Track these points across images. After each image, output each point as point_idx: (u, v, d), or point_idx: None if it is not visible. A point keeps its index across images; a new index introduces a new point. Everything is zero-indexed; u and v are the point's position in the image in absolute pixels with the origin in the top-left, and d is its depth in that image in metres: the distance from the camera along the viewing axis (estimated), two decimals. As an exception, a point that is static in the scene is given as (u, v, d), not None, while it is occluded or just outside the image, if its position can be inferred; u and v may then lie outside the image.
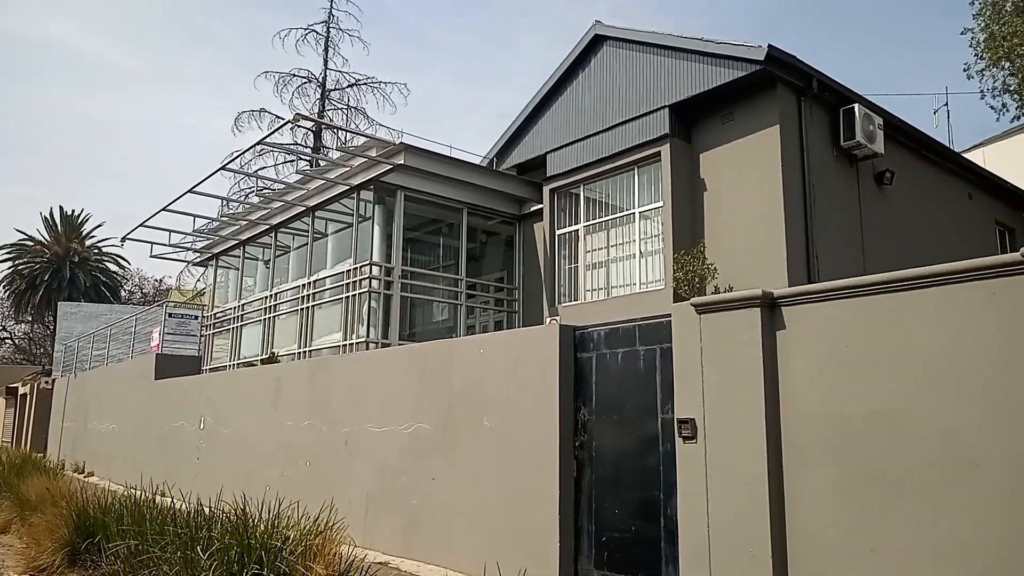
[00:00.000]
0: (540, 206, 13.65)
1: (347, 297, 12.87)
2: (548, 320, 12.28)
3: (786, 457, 4.94)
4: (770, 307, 5.14)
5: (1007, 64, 15.44)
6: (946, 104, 21.21)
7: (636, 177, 11.96)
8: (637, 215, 11.92)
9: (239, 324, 16.77)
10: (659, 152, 11.34)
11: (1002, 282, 4.09)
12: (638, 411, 6.03)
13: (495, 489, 6.99)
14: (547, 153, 13.49)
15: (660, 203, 11.36)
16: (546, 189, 13.43)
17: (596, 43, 13.11)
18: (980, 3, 15.53)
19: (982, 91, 16.00)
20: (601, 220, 12.68)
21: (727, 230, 10.69)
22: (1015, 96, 15.58)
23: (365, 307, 12.49)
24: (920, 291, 4.40)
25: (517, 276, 14.35)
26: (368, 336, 12.29)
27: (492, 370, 7.35)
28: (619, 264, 12.33)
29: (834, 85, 10.95)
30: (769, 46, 9.98)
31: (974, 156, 17.00)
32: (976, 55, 16.05)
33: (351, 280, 12.85)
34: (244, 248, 17.42)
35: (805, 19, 52.57)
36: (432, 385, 8.05)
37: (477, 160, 15.08)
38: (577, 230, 12.97)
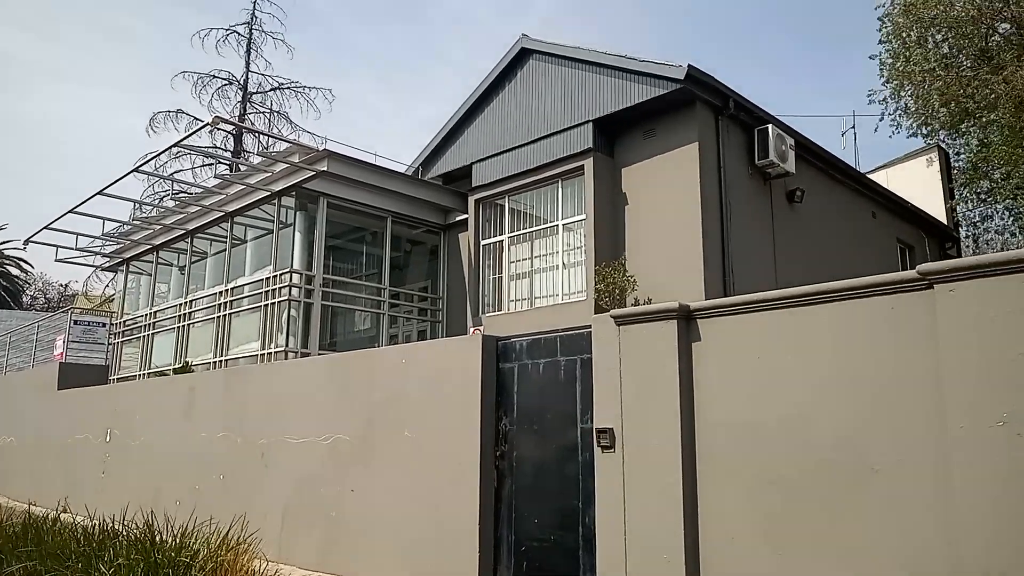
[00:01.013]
0: (465, 216, 13.67)
1: (266, 305, 12.57)
2: (472, 330, 12.30)
3: (700, 465, 5.08)
4: (686, 319, 5.29)
5: (908, 87, 16.32)
6: (853, 127, 22.31)
7: (560, 189, 12.13)
8: (561, 227, 12.08)
9: (151, 332, 16.16)
10: (583, 166, 11.53)
11: (900, 298, 4.32)
12: (559, 421, 6.10)
13: (416, 500, 6.94)
14: (473, 163, 13.54)
15: (583, 216, 11.55)
16: (471, 199, 13.47)
17: (523, 56, 13.26)
18: (886, 31, 16.35)
19: (884, 114, 16.88)
20: (525, 231, 12.79)
21: (647, 243, 10.94)
22: (912, 119, 16.51)
23: (285, 316, 12.23)
24: (825, 305, 4.61)
25: (441, 286, 14.31)
26: (287, 345, 12.03)
27: (414, 380, 7.30)
28: (543, 275, 12.46)
29: (749, 106, 11.38)
30: (689, 66, 10.29)
31: (878, 177, 17.92)
32: (881, 80, 16.89)
33: (270, 288, 12.56)
34: (157, 253, 16.80)
35: (726, 40, 54.53)
36: (352, 395, 7.94)
37: (402, 169, 15.02)
38: (502, 240, 13.04)
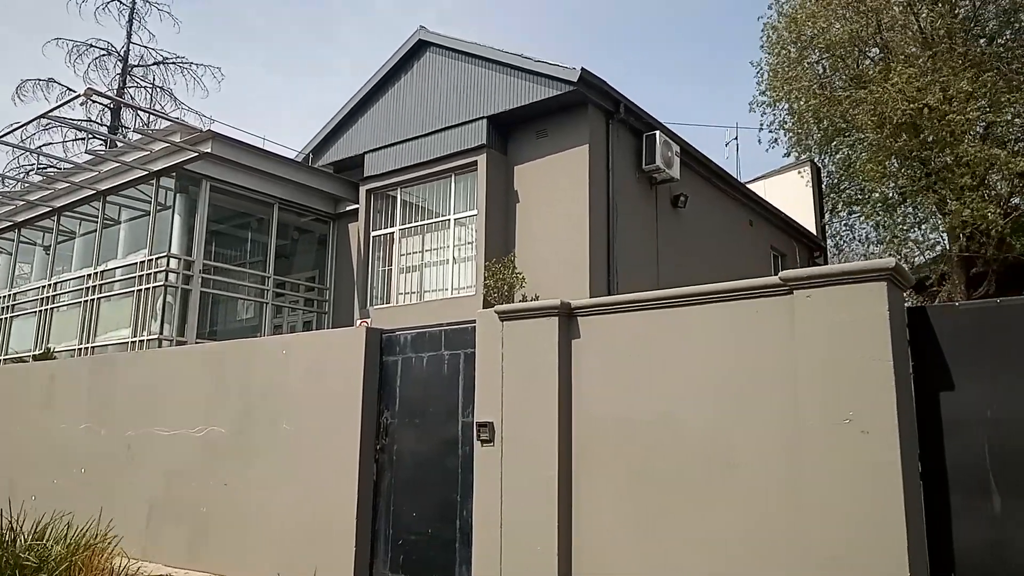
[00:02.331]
0: (356, 206, 13.46)
1: (140, 291, 11.95)
2: (359, 322, 12.12)
3: (576, 459, 5.22)
4: (567, 316, 5.41)
5: (785, 104, 17.24)
6: (736, 137, 23.47)
7: (453, 184, 12.13)
8: (452, 221, 12.08)
9: (8, 315, 15.03)
10: (476, 161, 11.58)
11: (764, 302, 4.57)
12: (440, 415, 6.11)
13: (293, 494, 6.79)
14: (365, 153, 13.33)
15: (475, 211, 11.60)
16: (363, 189, 13.27)
17: (420, 48, 13.16)
18: (768, 40, 17.18)
19: (762, 125, 17.80)
20: (417, 224, 12.72)
21: (537, 241, 11.11)
22: (789, 134, 17.48)
23: (160, 302, 11.66)
24: (696, 307, 4.83)
25: (329, 276, 14.03)
26: (162, 333, 11.48)
27: (295, 372, 7.13)
28: (433, 269, 12.43)
29: (639, 112, 11.75)
30: (582, 69, 10.52)
31: (756, 187, 18.87)
32: (759, 90, 17.78)
33: (145, 272, 11.95)
34: (19, 231, 15.64)
35: (620, 45, 55.96)
36: (229, 386, 7.67)
37: (292, 155, 14.59)
38: (392, 233, 12.92)
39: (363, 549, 6.22)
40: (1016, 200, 14.77)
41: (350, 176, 13.83)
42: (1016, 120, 14.70)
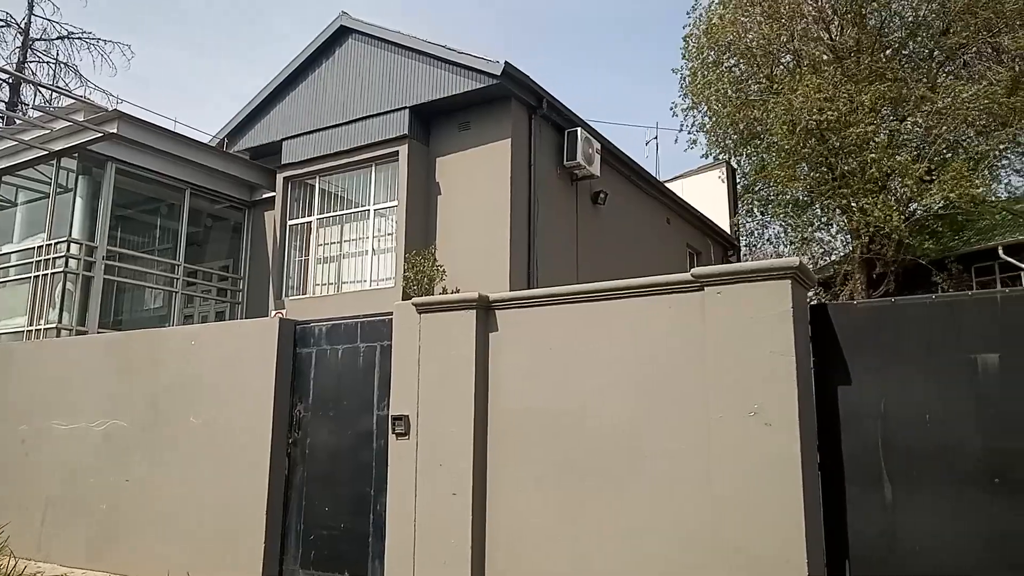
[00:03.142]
0: (272, 194, 13.10)
1: (37, 277, 11.32)
2: (273, 313, 11.82)
3: (492, 452, 5.23)
4: (485, 310, 5.41)
5: (704, 107, 17.69)
6: (656, 137, 24.00)
7: (374, 174, 11.95)
8: (372, 212, 11.92)
9: None
10: (397, 152, 11.45)
11: (676, 297, 4.69)
12: (355, 408, 6.02)
13: (201, 490, 6.56)
14: (283, 140, 12.99)
15: (395, 202, 11.47)
16: (280, 177, 12.93)
17: (342, 34, 12.90)
18: (688, 49, 17.59)
19: (682, 127, 18.23)
20: (336, 214, 12.49)
21: (458, 233, 11.07)
22: (707, 137, 17.98)
23: (59, 289, 11.07)
24: (612, 302, 4.91)
25: (243, 265, 13.62)
26: (61, 322, 10.91)
27: (205, 364, 6.89)
28: (351, 260, 12.23)
29: (561, 108, 11.84)
30: (505, 63, 10.52)
31: (674, 186, 19.35)
32: (680, 95, 18.20)
33: (43, 258, 11.33)
34: (-98, 211, 14.57)
35: (545, 42, 56.27)
36: (134, 378, 7.35)
37: (206, 139, 14.09)
38: (310, 222, 12.64)
39: (273, 545, 6.09)
40: (914, 205, 15.59)
41: (267, 163, 13.44)
42: (916, 129, 15.49)
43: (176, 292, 12.60)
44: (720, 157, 19.36)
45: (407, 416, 5.50)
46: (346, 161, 12.13)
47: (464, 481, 5.14)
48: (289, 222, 12.83)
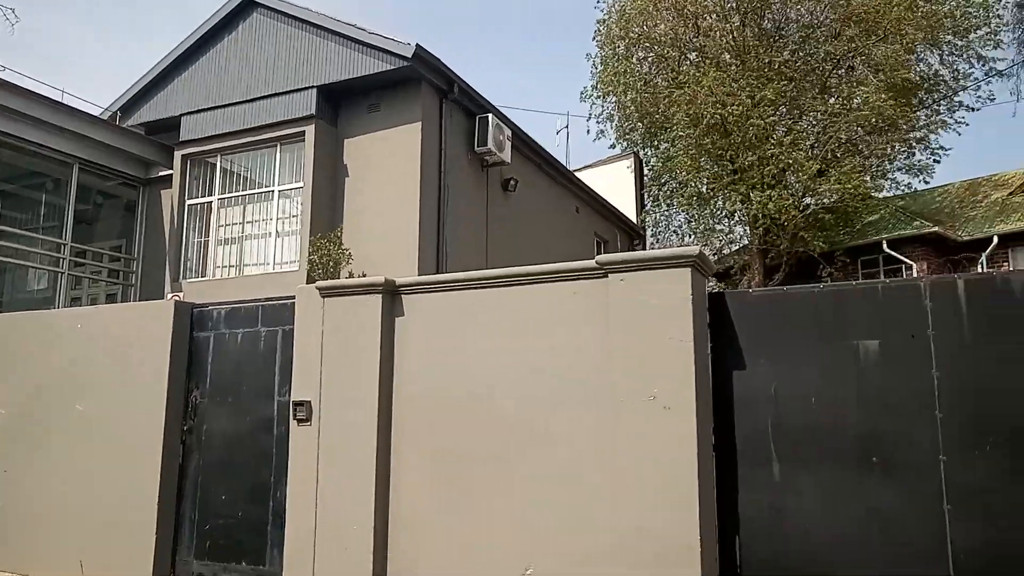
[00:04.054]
0: (170, 172, 12.51)
1: (-97, 254, 10.46)
2: (170, 296, 11.32)
3: (396, 437, 5.19)
4: (391, 295, 5.35)
5: (613, 97, 17.97)
6: (567, 126, 24.22)
7: (279, 154, 11.59)
8: (277, 193, 11.56)
9: None
10: (304, 132, 11.13)
11: (581, 284, 4.75)
12: (255, 394, 5.86)
13: (91, 480, 6.23)
14: (182, 115, 12.41)
15: (301, 183, 11.16)
16: (178, 154, 12.35)
17: (247, 7, 12.39)
18: (600, 35, 17.79)
19: (591, 114, 18.45)
20: (238, 194, 12.05)
21: (365, 217, 10.89)
22: (615, 127, 18.28)
23: (-71, 268, 10.27)
24: (518, 287, 4.93)
25: (137, 246, 12.97)
26: (-69, 303, 10.13)
27: (93, 348, 6.53)
28: (254, 242, 11.84)
29: (473, 93, 11.79)
30: (417, 45, 10.38)
31: (584, 175, 19.58)
32: (592, 82, 18.41)
33: (-89, 233, 10.47)
34: None
35: (458, 27, 55.84)
36: (14, 364, 6.90)
37: (98, 112, 13.29)
38: (211, 202, 12.15)
39: (165, 536, 5.86)
40: (808, 199, 16.34)
41: (164, 139, 12.80)
42: (811, 127, 16.22)
43: (62, 273, 11.88)
44: (627, 148, 19.75)
45: (309, 402, 5.39)
46: (250, 140, 11.71)
47: (367, 466, 5.08)
48: (188, 202, 12.29)
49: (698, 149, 15.74)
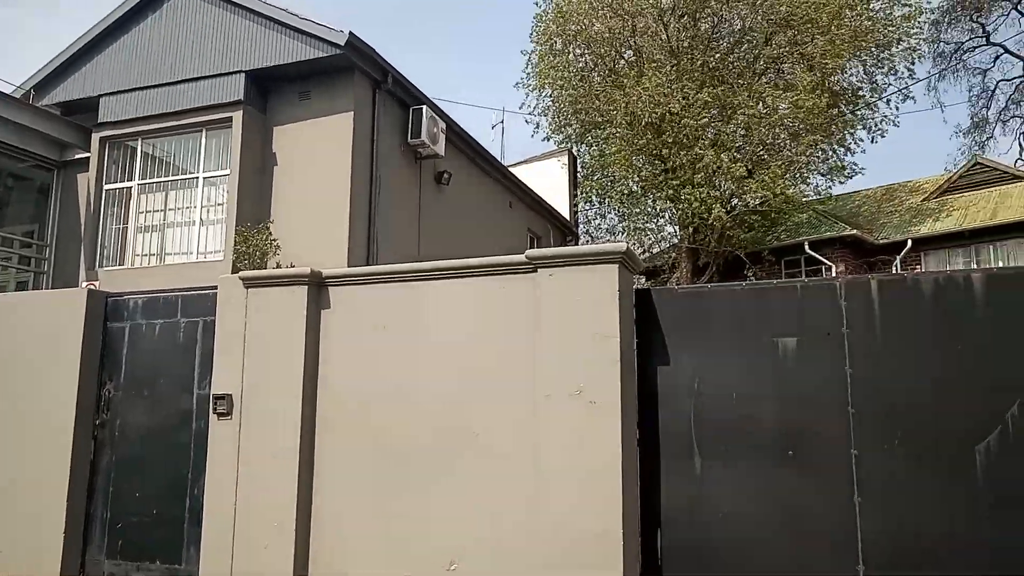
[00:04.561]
0: (87, 154, 11.96)
1: None
2: (84, 284, 10.85)
3: (320, 432, 5.09)
4: (318, 286, 5.24)
5: (549, 92, 18.04)
6: (502, 121, 24.24)
7: (204, 139, 11.23)
8: (201, 180, 11.20)
9: None
10: (231, 117, 10.80)
11: (510, 279, 4.74)
12: (173, 387, 5.66)
13: (-10, 477, 5.92)
14: (101, 96, 11.88)
15: (227, 171, 10.83)
16: (96, 136, 11.82)
17: (172, -14, 11.95)
18: (537, 31, 17.82)
19: (524, 108, 18.51)
20: (161, 180, 11.62)
21: (295, 207, 10.65)
22: (550, 123, 18.38)
23: None
24: (446, 281, 4.90)
25: (50, 231, 12.37)
26: None
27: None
28: (177, 230, 11.45)
29: (407, 84, 11.65)
30: (350, 33, 10.19)
31: (518, 171, 19.61)
32: (527, 79, 18.45)
33: None
34: None
35: (395, 18, 55.15)
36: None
37: (10, 90, 12.61)
38: (131, 187, 11.68)
39: (74, 534, 5.62)
40: (736, 201, 16.76)
41: (82, 120, 12.23)
42: (740, 131, 16.63)
43: (-32, 258, 11.26)
44: (562, 144, 19.87)
45: (230, 395, 5.23)
46: (173, 124, 11.30)
47: (290, 462, 4.97)
48: (106, 186, 11.78)
49: (632, 147, 15.95)
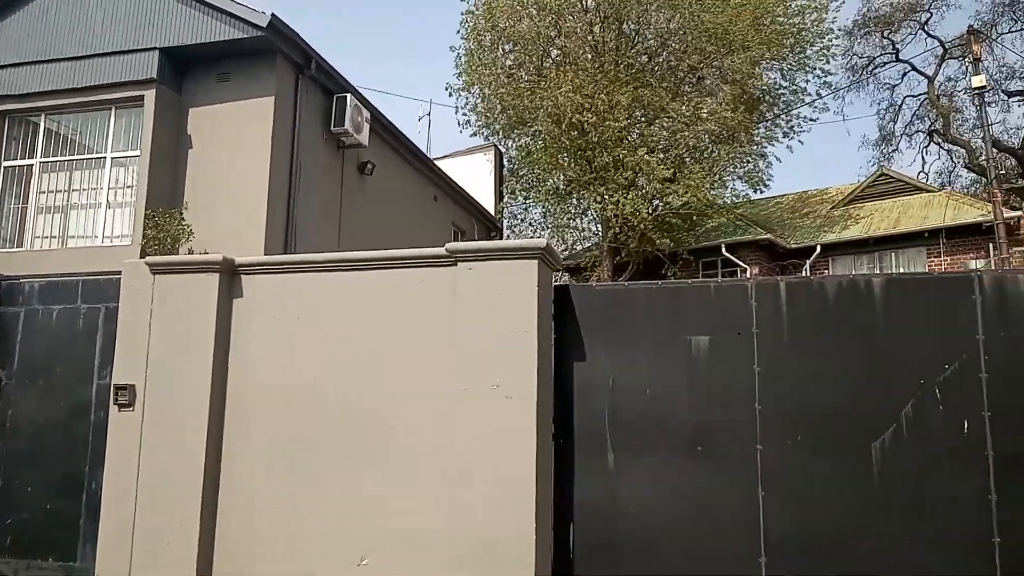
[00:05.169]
0: (-15, 129, 11.26)
1: None
2: (-22, 266, 10.20)
3: (229, 425, 4.92)
4: (230, 274, 5.06)
5: (477, 89, 18.00)
6: (429, 113, 24.07)
7: (113, 118, 10.73)
8: (110, 160, 10.70)
9: None
10: (143, 96, 10.35)
11: (431, 271, 4.69)
12: (72, 376, 5.38)
13: None
14: (1, 68, 11.19)
15: (138, 152, 10.37)
16: (-5, 110, 11.14)
17: (82, -47, 11.34)
18: (466, 27, 17.75)
19: (456, 107, 18.43)
20: (65, 159, 11.04)
21: (210, 193, 10.28)
22: (479, 118, 18.34)
23: None
24: (364, 272, 4.81)
25: (-59, 210, 11.60)
26: None
27: None
28: (82, 212, 10.91)
29: (332, 71, 11.41)
30: (272, 15, 9.91)
31: (444, 164, 19.47)
32: (455, 74, 18.38)
33: None
34: None
35: (324, 6, 53.95)
36: None
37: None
38: (32, 165, 11.06)
39: (-42, 532, 5.27)
40: (657, 202, 17.10)
41: (-20, 92, 11.50)
42: (663, 132, 16.97)
43: None
44: (491, 137, 19.87)
45: (133, 386, 5.00)
46: (81, 100, 10.75)
47: (196, 456, 4.79)
48: (4, 163, 11.12)
49: (557, 146, 16.08)
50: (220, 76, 10.55)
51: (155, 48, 10.42)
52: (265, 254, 9.44)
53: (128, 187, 10.56)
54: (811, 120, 18.12)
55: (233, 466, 4.85)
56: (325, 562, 4.56)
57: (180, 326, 5.02)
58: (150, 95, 10.29)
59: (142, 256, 8.87)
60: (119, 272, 5.32)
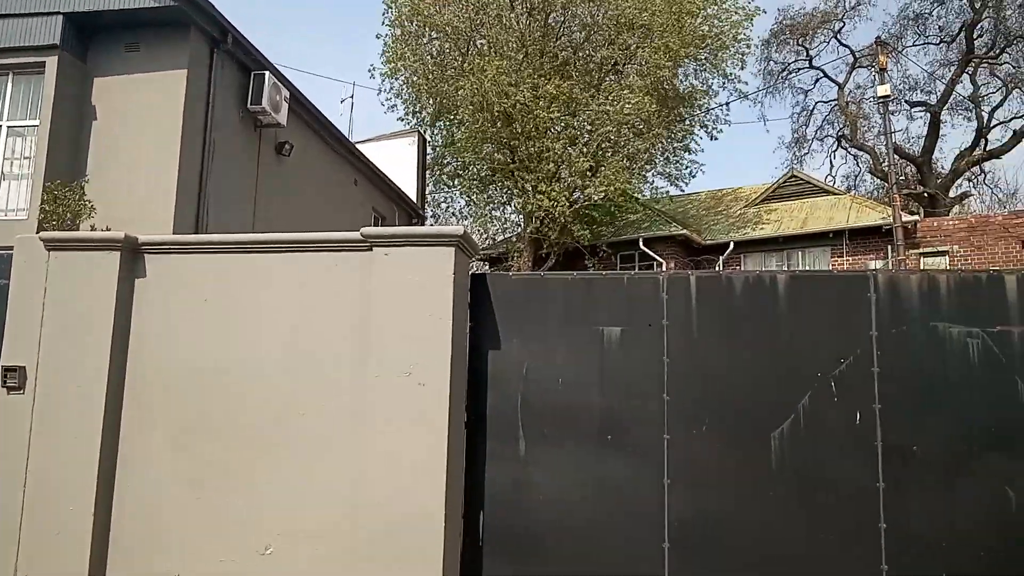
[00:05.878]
0: None
1: None
2: None
3: (128, 410, 4.72)
4: (132, 252, 4.84)
5: (403, 76, 17.81)
6: (352, 96, 23.61)
7: (10, 84, 10.11)
8: (5, 129, 10.07)
9: None
10: (44, 63, 9.78)
11: (345, 256, 4.60)
12: (-45, 357, 5.04)
13: None
14: None
15: (37, 121, 9.81)
16: None
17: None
18: (392, 14, 17.52)
19: (380, 90, 18.20)
20: (-46, 126, 10.33)
21: (116, 167, 9.82)
22: (404, 104, 18.19)
23: None
24: (275, 254, 4.68)
25: None
26: None
27: None
28: (-27, 183, 10.24)
29: (249, 47, 11.06)
30: (187, -15, 9.52)
31: (366, 148, 19.15)
32: (381, 59, 18.11)
33: None
34: None
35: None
36: None
37: None
38: (-84, 131, 10.32)
39: None
40: (578, 194, 17.31)
41: None
42: (586, 124, 17.17)
43: None
44: (416, 124, 19.68)
45: (23, 367, 4.73)
46: (-26, 64, 10.08)
47: (91, 442, 4.57)
48: None
49: (481, 135, 16.05)
50: (129, 46, 10.06)
51: (59, 12, 9.85)
52: (174, 234, 9.09)
53: (26, 158, 9.98)
54: (725, 122, 18.69)
55: (132, 452, 4.66)
56: (230, 552, 4.43)
57: (76, 305, 4.77)
58: (52, 62, 9.73)
59: (39, 231, 8.41)
60: (11, 248, 5.02)
